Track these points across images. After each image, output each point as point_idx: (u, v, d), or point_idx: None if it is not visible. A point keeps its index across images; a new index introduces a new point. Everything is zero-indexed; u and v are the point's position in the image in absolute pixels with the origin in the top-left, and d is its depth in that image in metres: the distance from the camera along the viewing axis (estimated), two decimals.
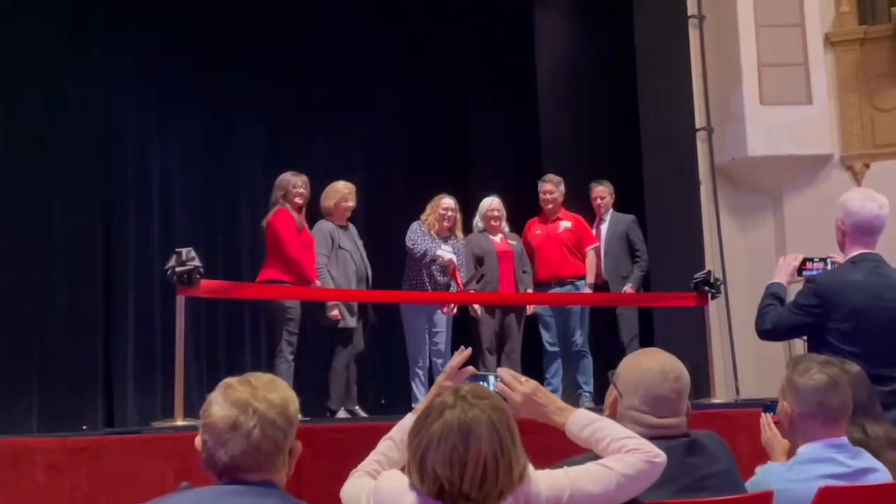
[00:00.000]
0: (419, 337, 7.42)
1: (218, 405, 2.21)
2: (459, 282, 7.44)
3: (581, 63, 10.20)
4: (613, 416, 2.68)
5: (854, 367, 3.19)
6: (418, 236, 7.52)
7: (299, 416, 2.29)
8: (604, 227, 8.12)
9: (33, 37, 8.61)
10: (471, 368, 2.83)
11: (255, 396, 2.20)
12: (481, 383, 2.65)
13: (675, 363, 2.67)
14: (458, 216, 7.69)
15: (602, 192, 8.17)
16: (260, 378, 2.27)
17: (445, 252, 7.43)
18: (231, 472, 2.18)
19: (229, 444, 2.16)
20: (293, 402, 2.27)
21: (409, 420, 2.65)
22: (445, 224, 7.57)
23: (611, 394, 2.72)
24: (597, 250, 7.99)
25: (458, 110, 10.97)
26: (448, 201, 7.62)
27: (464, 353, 2.86)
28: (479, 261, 7.73)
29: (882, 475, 2.83)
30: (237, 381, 2.26)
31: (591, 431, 2.53)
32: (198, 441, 2.24)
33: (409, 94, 10.59)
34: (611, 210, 8.20)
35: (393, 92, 10.55)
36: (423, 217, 7.66)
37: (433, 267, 7.44)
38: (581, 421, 2.57)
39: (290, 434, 2.24)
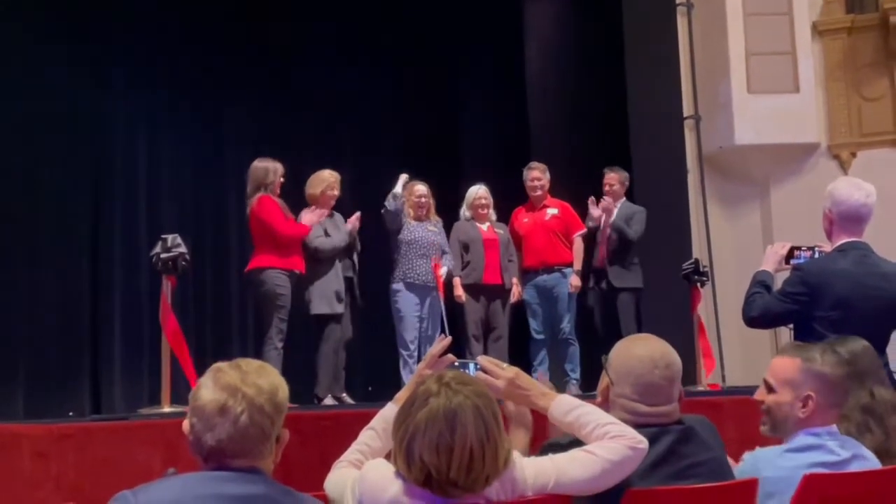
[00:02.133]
0: (410, 323, 7.40)
1: (207, 389, 2.21)
2: (439, 276, 7.41)
3: (569, 51, 10.19)
4: (606, 402, 2.68)
5: (861, 341, 3.32)
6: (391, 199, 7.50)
7: (288, 403, 2.29)
8: (612, 213, 8.00)
9: (22, 23, 8.57)
10: (450, 356, 2.83)
11: (245, 382, 2.20)
12: (462, 371, 2.65)
13: (665, 350, 2.66)
14: (432, 201, 7.69)
15: (613, 179, 8.04)
16: (250, 364, 2.27)
17: (398, 187, 7.42)
18: (217, 456, 2.18)
19: (217, 428, 2.16)
20: (282, 389, 2.26)
21: (389, 410, 2.65)
22: (420, 210, 7.57)
23: (603, 380, 2.72)
24: (585, 237, 7.95)
25: (447, 99, 10.95)
26: (421, 188, 7.63)
27: (444, 341, 2.86)
28: (465, 248, 7.73)
29: (867, 463, 2.85)
30: (227, 366, 2.26)
31: (574, 417, 2.55)
32: (185, 424, 2.24)
33: (398, 83, 10.56)
34: (623, 198, 8.10)
35: (381, 81, 10.52)
36: None
37: (395, 203, 7.39)
38: (564, 406, 2.59)
39: (278, 421, 2.24)
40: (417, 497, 2.27)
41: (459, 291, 7.63)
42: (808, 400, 2.86)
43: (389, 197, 7.39)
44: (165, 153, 9.56)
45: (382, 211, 7.43)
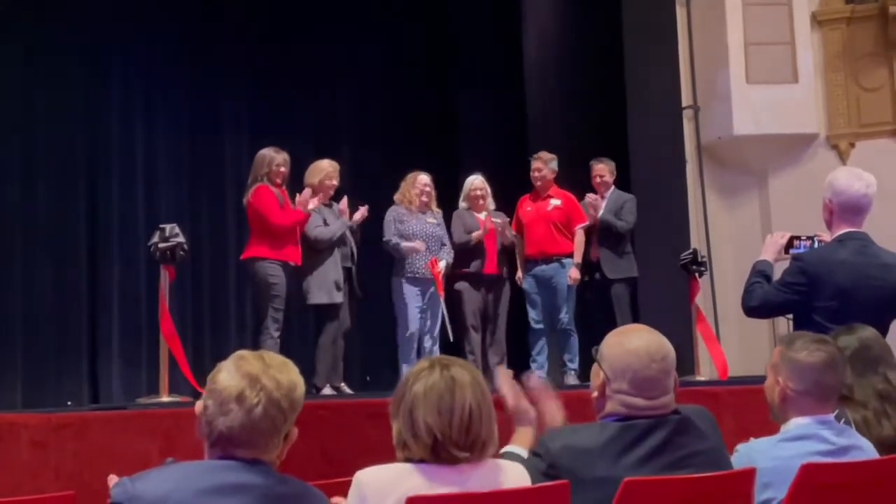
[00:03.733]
0: (412, 315, 7.37)
1: (228, 374, 2.22)
2: (437, 274, 7.37)
3: (568, 40, 10.17)
4: (602, 397, 2.68)
5: (870, 328, 3.36)
6: (391, 226, 7.46)
7: (302, 402, 2.30)
8: (603, 205, 7.97)
9: (20, 12, 8.55)
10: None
11: (266, 374, 2.21)
12: None
13: (660, 342, 2.66)
14: (434, 191, 7.66)
15: (602, 171, 8.02)
16: (274, 357, 2.29)
17: (409, 245, 7.38)
18: (224, 443, 2.19)
19: (231, 414, 2.18)
20: (300, 387, 2.28)
21: None
22: (423, 199, 7.55)
23: (597, 375, 2.70)
24: (587, 229, 7.93)
25: (446, 88, 10.94)
26: (424, 177, 7.60)
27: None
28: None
29: (863, 452, 2.86)
30: (251, 355, 2.27)
31: None
32: (199, 405, 2.25)
33: (396, 72, 10.54)
34: (612, 188, 8.07)
35: (379, 70, 10.51)
36: (397, 197, 7.61)
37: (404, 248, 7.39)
38: None
39: (290, 419, 2.25)
40: (426, 472, 2.35)
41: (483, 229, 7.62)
42: (777, 384, 2.92)
43: (402, 243, 7.36)
44: (163, 143, 9.54)
45: (390, 245, 7.39)
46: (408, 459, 2.39)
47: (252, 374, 2.20)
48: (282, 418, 2.21)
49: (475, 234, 7.63)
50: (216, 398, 2.20)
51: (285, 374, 2.25)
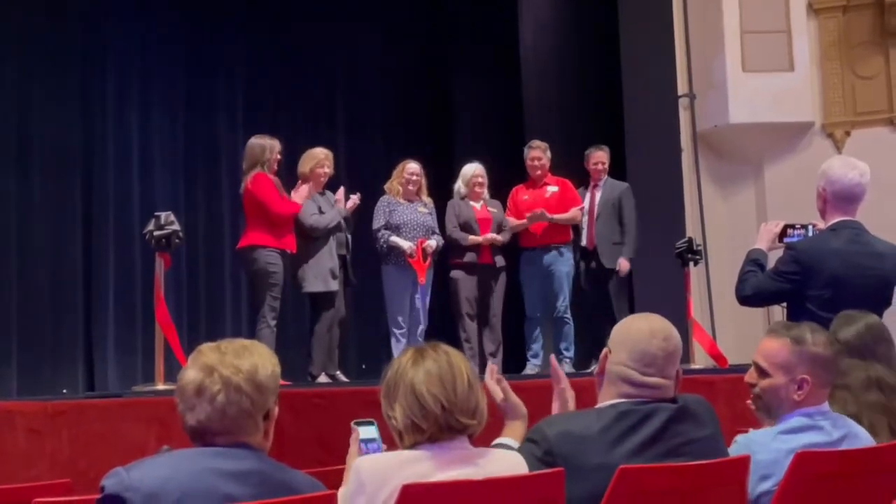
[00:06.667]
0: (401, 300, 7.39)
1: (189, 370, 2.27)
2: (416, 261, 7.36)
3: (564, 28, 10.16)
4: (602, 373, 2.71)
5: (873, 317, 3.39)
6: (380, 216, 7.45)
7: (278, 381, 2.31)
8: (598, 193, 7.94)
9: (9, 1, 8.54)
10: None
11: (222, 362, 2.25)
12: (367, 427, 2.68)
13: (666, 325, 2.70)
14: (423, 180, 7.65)
15: (601, 158, 8.01)
16: (231, 344, 2.32)
17: (404, 242, 7.36)
18: (201, 435, 2.23)
19: (196, 408, 2.22)
20: (264, 367, 2.29)
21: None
22: (411, 188, 7.53)
23: (604, 355, 2.74)
24: (583, 210, 7.92)
25: (442, 76, 10.92)
26: (413, 166, 7.58)
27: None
28: (461, 228, 7.71)
29: (859, 441, 2.86)
30: (208, 347, 2.31)
31: None
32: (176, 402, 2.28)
33: (393, 60, 10.54)
34: (606, 176, 8.09)
35: (376, 58, 10.50)
36: (387, 186, 7.61)
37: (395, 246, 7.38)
38: None
39: (260, 400, 2.26)
40: (425, 459, 2.36)
41: (496, 237, 7.63)
42: (803, 382, 2.85)
43: (391, 236, 7.35)
44: (158, 131, 9.53)
45: (378, 236, 7.39)
46: (414, 444, 2.40)
47: (208, 366, 2.24)
48: (248, 401, 2.23)
49: (472, 238, 7.61)
50: (181, 395, 2.25)
51: (245, 358, 2.27)
